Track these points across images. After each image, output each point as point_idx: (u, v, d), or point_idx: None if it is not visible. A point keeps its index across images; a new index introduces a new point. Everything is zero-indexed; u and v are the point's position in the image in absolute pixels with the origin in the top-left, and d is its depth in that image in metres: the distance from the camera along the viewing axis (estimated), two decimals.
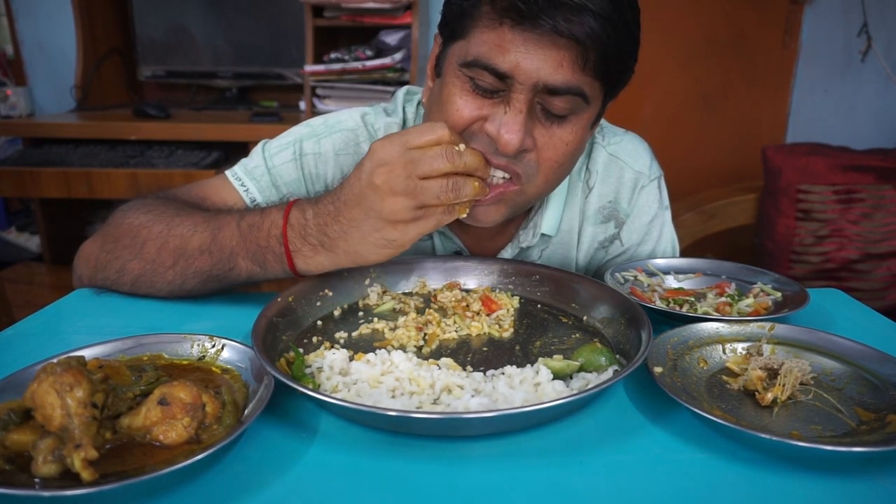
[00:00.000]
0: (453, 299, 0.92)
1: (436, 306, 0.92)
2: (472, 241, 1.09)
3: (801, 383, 0.71)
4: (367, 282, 0.95)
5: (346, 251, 0.80)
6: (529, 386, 0.69)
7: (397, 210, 0.76)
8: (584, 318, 0.90)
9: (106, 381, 0.59)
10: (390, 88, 2.46)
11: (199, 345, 0.73)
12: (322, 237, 0.81)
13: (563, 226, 1.10)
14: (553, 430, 0.64)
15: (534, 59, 0.78)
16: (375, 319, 0.88)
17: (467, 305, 0.90)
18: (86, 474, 0.51)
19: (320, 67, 2.53)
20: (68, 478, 0.53)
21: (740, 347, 0.79)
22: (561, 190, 1.07)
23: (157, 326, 0.84)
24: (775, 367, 0.71)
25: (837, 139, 2.61)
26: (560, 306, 0.94)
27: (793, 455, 0.60)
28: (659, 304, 0.91)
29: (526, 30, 0.78)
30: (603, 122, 1.10)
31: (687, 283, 1.02)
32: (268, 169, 1.05)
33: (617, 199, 1.10)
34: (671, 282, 1.03)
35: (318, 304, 0.89)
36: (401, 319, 0.87)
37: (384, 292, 0.96)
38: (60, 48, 3.01)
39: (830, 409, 0.68)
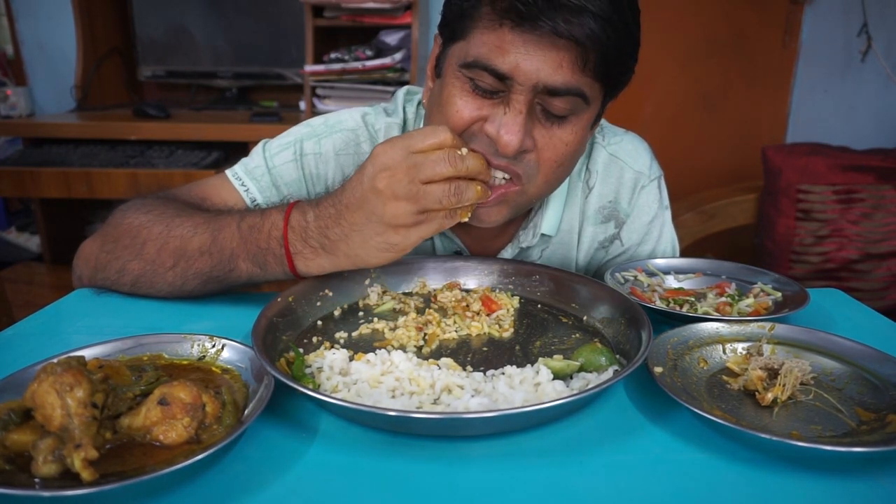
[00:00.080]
0: (453, 299, 0.92)
1: (436, 306, 0.92)
2: (473, 241, 1.09)
3: (802, 383, 0.71)
4: (367, 282, 0.95)
5: (347, 254, 0.80)
6: (529, 386, 0.69)
7: (399, 214, 0.76)
8: (584, 318, 0.90)
9: (106, 381, 0.59)
10: (390, 88, 2.46)
11: (199, 345, 0.73)
12: (323, 240, 0.81)
13: (563, 226, 1.10)
14: (553, 430, 0.64)
15: (533, 60, 0.78)
16: (375, 319, 0.88)
17: (467, 305, 0.90)
18: (86, 474, 0.51)
19: (320, 67, 2.53)
20: (68, 478, 0.53)
21: (740, 347, 0.79)
22: (561, 190, 1.07)
23: (157, 326, 0.84)
24: (775, 367, 0.71)
25: (837, 139, 2.61)
26: (560, 306, 0.94)
27: (793, 455, 0.60)
28: (659, 304, 0.91)
29: (526, 31, 0.78)
30: (603, 122, 1.10)
31: (687, 283, 1.02)
32: (268, 169, 1.05)
33: (617, 199, 1.10)
34: (671, 282, 1.03)
35: (318, 304, 0.89)
36: (401, 319, 0.87)
37: (384, 292, 0.96)
38: (60, 48, 3.01)
39: (830, 409, 0.68)
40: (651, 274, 1.03)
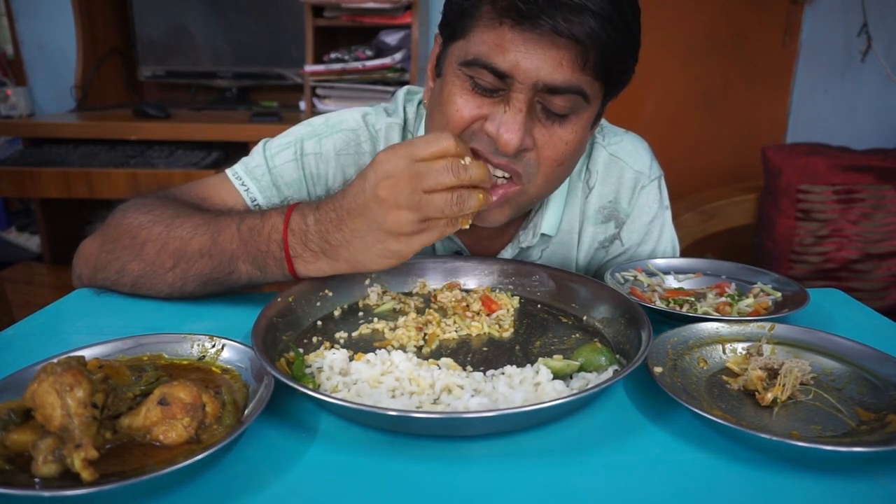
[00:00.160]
0: (453, 299, 0.92)
1: (436, 306, 0.92)
2: (473, 241, 1.09)
3: (801, 383, 0.71)
4: (367, 282, 0.95)
5: (348, 259, 0.80)
6: (529, 386, 0.69)
7: (401, 223, 0.75)
8: (584, 318, 0.90)
9: (106, 381, 0.59)
10: (390, 88, 2.46)
11: (199, 345, 0.73)
12: (323, 244, 0.81)
13: (564, 226, 1.10)
14: (553, 430, 0.64)
15: (533, 59, 0.79)
16: (375, 319, 0.88)
17: (467, 305, 0.90)
18: (86, 474, 0.51)
19: (320, 67, 2.53)
20: (68, 478, 0.53)
21: (740, 347, 0.79)
22: (561, 190, 1.07)
23: (157, 326, 0.84)
24: (775, 367, 0.71)
25: (837, 139, 2.61)
26: (560, 306, 0.94)
27: (793, 455, 0.60)
28: (659, 304, 0.91)
29: (526, 29, 0.78)
30: (603, 121, 1.10)
31: (687, 283, 1.02)
32: (269, 168, 1.05)
33: (617, 199, 1.10)
34: (671, 282, 1.03)
35: (318, 304, 0.89)
36: (401, 319, 0.87)
37: (384, 292, 0.96)
38: (60, 48, 3.01)
39: (830, 409, 0.68)
40: (651, 274, 1.03)
